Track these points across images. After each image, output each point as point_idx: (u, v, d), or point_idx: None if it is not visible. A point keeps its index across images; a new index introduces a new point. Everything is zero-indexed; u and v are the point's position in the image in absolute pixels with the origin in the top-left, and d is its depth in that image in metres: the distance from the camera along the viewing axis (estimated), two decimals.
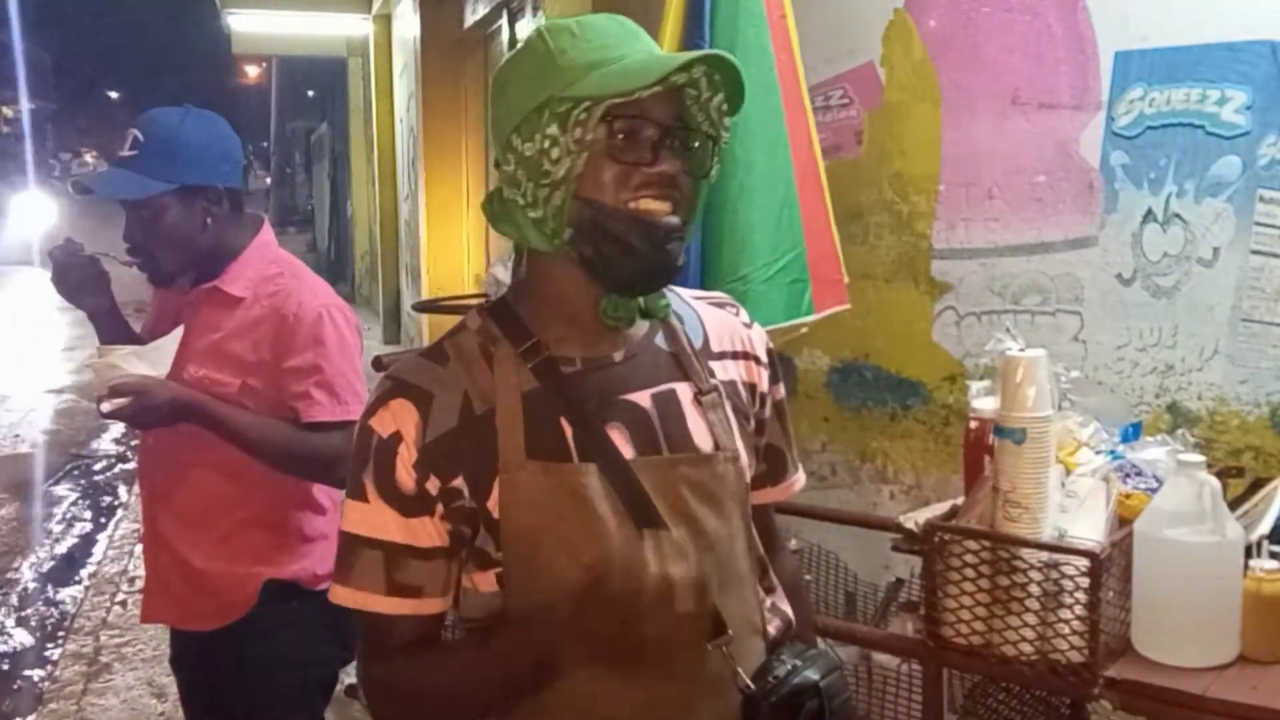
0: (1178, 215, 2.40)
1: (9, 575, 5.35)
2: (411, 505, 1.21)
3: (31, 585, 5.26)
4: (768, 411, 1.39)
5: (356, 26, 11.47)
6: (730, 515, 1.27)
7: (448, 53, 8.01)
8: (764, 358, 1.39)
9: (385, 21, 10.40)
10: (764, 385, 1.38)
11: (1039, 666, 1.80)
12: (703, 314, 1.36)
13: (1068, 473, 1.97)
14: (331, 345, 2.10)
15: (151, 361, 2.09)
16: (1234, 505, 1.95)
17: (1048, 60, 2.64)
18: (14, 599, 5.08)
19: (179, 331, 2.15)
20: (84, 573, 5.36)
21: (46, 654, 4.45)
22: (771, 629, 1.34)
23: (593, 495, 1.19)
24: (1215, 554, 1.72)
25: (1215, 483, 1.78)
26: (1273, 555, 1.83)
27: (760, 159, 2.49)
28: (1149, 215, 2.45)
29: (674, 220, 1.19)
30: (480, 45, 7.59)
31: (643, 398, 1.25)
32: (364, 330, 2.25)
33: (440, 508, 1.21)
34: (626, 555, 1.16)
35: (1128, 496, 2.00)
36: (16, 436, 7.78)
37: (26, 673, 4.32)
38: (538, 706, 1.20)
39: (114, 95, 76.07)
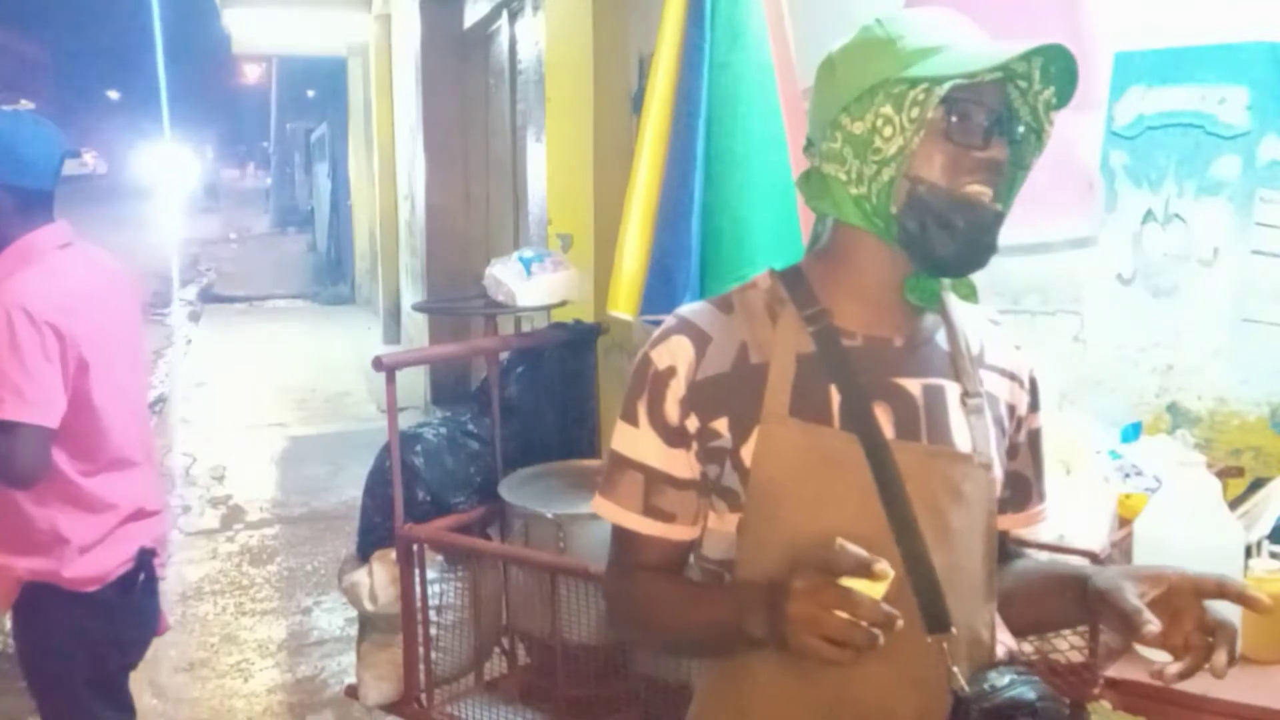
0: (1178, 215, 2.39)
1: None
2: (673, 437, 1.27)
3: None
4: (1022, 436, 1.39)
5: (356, 26, 11.46)
6: (974, 519, 1.27)
7: (448, 53, 8.00)
8: (1027, 383, 1.38)
9: (385, 21, 10.38)
10: (1023, 409, 1.38)
11: (1039, 666, 1.80)
12: (980, 326, 1.37)
13: (1068, 473, 1.98)
14: (1, 343, 2.16)
15: None
16: (1234, 505, 1.95)
17: None
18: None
19: None
20: None
21: None
22: (999, 650, 1.32)
23: (846, 463, 1.21)
24: (1215, 554, 1.72)
25: (1215, 483, 1.78)
26: (1273, 555, 1.83)
27: (759, 159, 2.49)
28: (1149, 215, 2.45)
29: (999, 207, 1.23)
30: (480, 45, 7.58)
31: (914, 385, 1.27)
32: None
33: (695, 445, 1.26)
34: (865, 529, 1.18)
35: (1128, 496, 2.00)
36: None
37: None
38: (750, 659, 1.22)
39: (114, 95, 76.14)
